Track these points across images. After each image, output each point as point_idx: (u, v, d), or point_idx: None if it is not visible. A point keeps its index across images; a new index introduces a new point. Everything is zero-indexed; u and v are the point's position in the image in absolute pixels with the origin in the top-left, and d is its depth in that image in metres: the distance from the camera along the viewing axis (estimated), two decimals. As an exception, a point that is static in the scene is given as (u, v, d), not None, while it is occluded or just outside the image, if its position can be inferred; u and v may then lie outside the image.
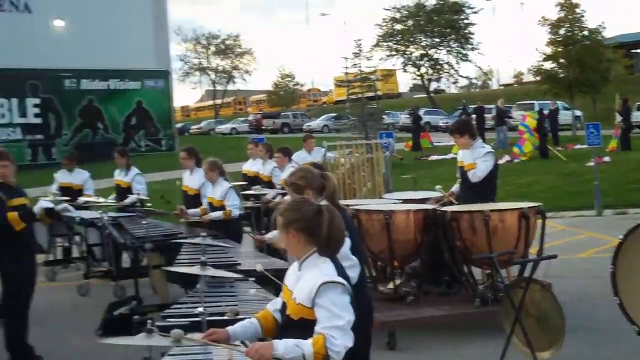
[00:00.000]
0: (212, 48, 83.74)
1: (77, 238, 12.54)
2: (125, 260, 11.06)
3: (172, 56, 61.45)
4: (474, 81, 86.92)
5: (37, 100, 42.03)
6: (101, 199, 12.01)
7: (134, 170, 12.53)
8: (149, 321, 3.96)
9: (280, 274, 6.10)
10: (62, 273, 12.61)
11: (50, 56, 41.95)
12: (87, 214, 11.58)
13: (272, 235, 7.16)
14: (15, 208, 7.66)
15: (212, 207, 9.97)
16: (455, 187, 9.58)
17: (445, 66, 67.70)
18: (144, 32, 48.73)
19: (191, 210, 10.41)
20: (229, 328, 4.15)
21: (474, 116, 34.70)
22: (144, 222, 9.67)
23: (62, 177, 13.00)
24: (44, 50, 42.76)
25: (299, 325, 3.89)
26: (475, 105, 37.32)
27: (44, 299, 10.11)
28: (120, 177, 12.62)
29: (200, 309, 4.70)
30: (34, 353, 7.86)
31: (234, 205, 9.82)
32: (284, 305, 4.12)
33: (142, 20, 48.94)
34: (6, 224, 7.54)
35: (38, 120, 42.07)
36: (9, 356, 7.87)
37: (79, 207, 12.30)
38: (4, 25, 43.64)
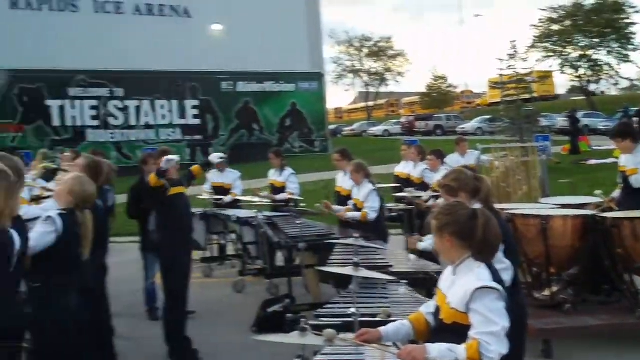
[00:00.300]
0: (365, 50, 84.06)
1: (232, 236, 12.83)
2: (279, 258, 11.23)
3: (326, 59, 62.27)
4: (636, 83, 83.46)
5: (196, 102, 43.36)
6: (256, 199, 12.27)
7: (288, 170, 12.72)
8: (303, 320, 4.00)
9: (433, 277, 6.08)
10: (218, 270, 12.95)
11: (208, 59, 43.22)
12: (242, 213, 11.86)
13: (425, 245, 7.09)
14: (174, 196, 8.15)
15: (357, 209, 9.97)
16: (617, 193, 9.21)
17: (605, 67, 65.29)
18: (298, 35, 49.45)
19: (336, 207, 10.48)
20: (381, 329, 4.14)
21: (635, 119, 33.33)
22: (298, 221, 9.80)
23: (214, 177, 13.37)
24: (202, 53, 44.13)
25: (452, 330, 3.85)
26: (638, 108, 35.84)
27: (201, 295, 10.43)
28: (274, 177, 12.85)
29: (353, 310, 4.70)
30: (192, 346, 8.11)
31: (372, 208, 9.76)
32: (437, 309, 4.07)
33: (296, 23, 49.68)
34: (149, 186, 8.08)
35: (197, 122, 43.37)
36: (168, 348, 8.16)
37: (229, 206, 12.69)
38: (166, 29, 45.34)
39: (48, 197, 6.44)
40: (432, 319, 4.14)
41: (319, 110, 47.59)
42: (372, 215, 9.73)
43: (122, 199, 10.59)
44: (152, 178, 8.05)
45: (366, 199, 9.78)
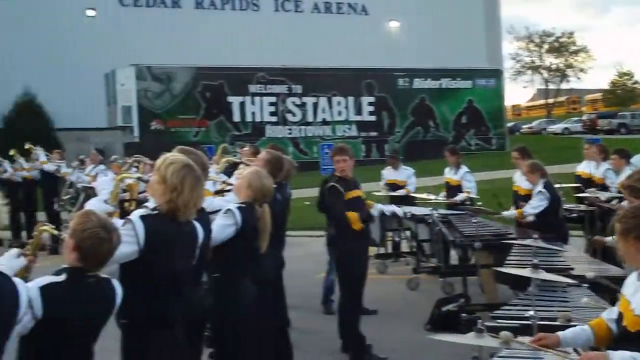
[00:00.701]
0: (546, 46, 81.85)
1: (407, 233, 12.82)
2: (454, 257, 11.13)
3: (504, 55, 61.06)
4: None
5: (371, 99, 43.54)
6: (431, 196, 12.20)
7: (464, 168, 12.59)
8: (479, 321, 3.94)
9: (615, 281, 5.83)
10: (392, 266, 12.96)
11: (385, 56, 43.40)
12: (417, 210, 11.83)
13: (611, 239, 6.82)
14: (351, 200, 8.07)
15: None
16: None
17: None
18: (475, 31, 48.97)
19: (506, 213, 10.20)
20: (560, 333, 4.04)
21: None
22: (473, 220, 9.67)
23: (388, 174, 13.48)
24: (379, 50, 44.43)
25: (636, 338, 3.70)
26: None
27: (375, 291, 10.46)
28: (450, 174, 12.75)
29: (531, 313, 4.59)
30: (365, 341, 8.14)
31: (531, 206, 9.47)
32: (620, 315, 3.92)
33: (474, 19, 49.22)
34: (344, 221, 7.95)
35: (372, 118, 43.56)
36: (342, 343, 8.25)
37: (404, 201, 12.68)
38: (343, 27, 46.03)
39: (229, 190, 6.63)
40: (615, 326, 3.99)
41: (497, 107, 46.70)
42: (529, 212, 9.45)
43: (297, 194, 10.75)
44: (354, 219, 8.03)
45: (532, 198, 9.53)
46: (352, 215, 7.97)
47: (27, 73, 38.27)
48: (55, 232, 4.26)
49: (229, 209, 5.51)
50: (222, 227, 5.40)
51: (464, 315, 7.87)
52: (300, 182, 10.98)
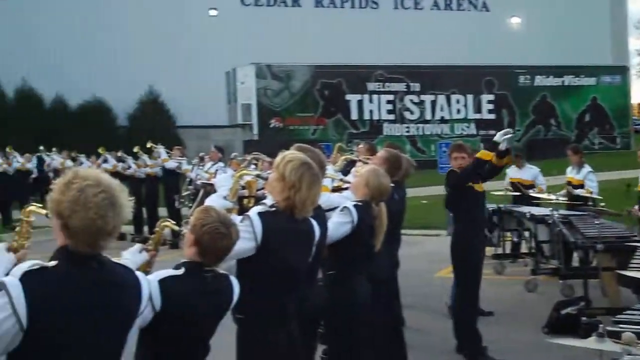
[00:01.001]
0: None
1: (526, 234, 12.60)
2: (575, 259, 10.86)
3: (631, 51, 59.02)
4: None
5: (491, 97, 42.82)
6: (552, 196, 11.96)
7: (587, 167, 12.32)
8: (601, 325, 3.83)
9: None
10: (510, 267, 12.75)
11: (505, 53, 42.68)
12: (537, 210, 11.61)
13: None
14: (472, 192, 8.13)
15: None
16: None
17: None
18: (600, 26, 47.61)
19: None
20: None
21: None
22: (596, 221, 9.43)
23: (512, 173, 13.29)
24: (500, 47, 43.72)
25: None
26: None
27: (492, 292, 10.34)
28: (572, 174, 12.48)
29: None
30: (481, 342, 8.04)
31: None
32: None
33: (598, 13, 47.87)
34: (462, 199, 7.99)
35: (491, 116, 42.81)
36: (457, 343, 8.17)
37: (528, 200, 12.46)
38: (464, 23, 45.53)
39: (346, 188, 6.66)
40: None
41: (622, 105, 45.24)
42: None
43: (413, 192, 10.69)
44: (487, 154, 8.02)
45: None
46: (483, 152, 7.93)
47: (152, 72, 39.30)
48: (176, 227, 4.36)
49: (345, 207, 5.51)
50: (338, 225, 5.41)
51: (584, 319, 7.69)
52: (418, 181, 10.91)
